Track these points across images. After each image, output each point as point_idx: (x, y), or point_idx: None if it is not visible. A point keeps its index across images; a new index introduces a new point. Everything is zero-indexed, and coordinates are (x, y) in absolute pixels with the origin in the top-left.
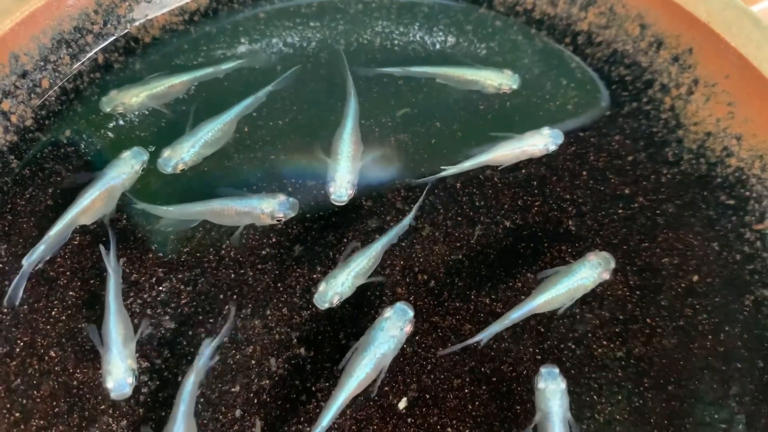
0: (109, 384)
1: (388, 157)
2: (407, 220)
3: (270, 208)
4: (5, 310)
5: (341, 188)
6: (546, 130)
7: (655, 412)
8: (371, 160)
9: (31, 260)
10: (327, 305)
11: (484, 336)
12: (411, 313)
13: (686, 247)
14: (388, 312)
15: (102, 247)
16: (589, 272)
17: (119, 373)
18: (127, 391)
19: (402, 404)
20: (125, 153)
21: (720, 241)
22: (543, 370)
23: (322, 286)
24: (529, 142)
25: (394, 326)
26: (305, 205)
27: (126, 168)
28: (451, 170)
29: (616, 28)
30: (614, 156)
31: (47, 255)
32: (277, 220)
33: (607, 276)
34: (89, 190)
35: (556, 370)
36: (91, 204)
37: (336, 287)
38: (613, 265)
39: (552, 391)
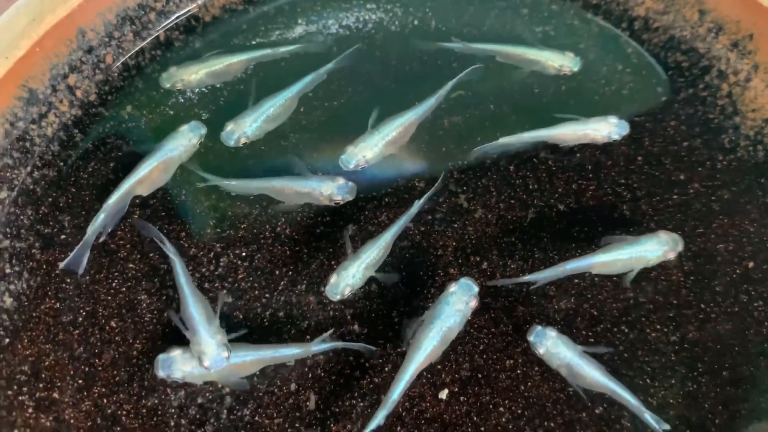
0: (206, 363)
1: (440, 139)
2: (415, 209)
3: (329, 190)
4: (68, 280)
5: (353, 156)
6: (613, 119)
7: (709, 397)
8: (401, 158)
9: (93, 228)
10: (339, 297)
11: (537, 277)
12: (476, 288)
13: (742, 234)
14: (453, 287)
15: (157, 241)
16: (655, 247)
17: (213, 351)
18: (226, 365)
19: (443, 395)
20: (183, 126)
21: None
22: (530, 338)
23: (333, 278)
24: (593, 127)
25: (459, 300)
26: (358, 185)
27: (184, 141)
28: (509, 139)
29: (674, 14)
30: (670, 142)
31: (108, 224)
32: (335, 203)
33: (672, 256)
34: (147, 161)
35: (538, 327)
36: (148, 174)
37: (347, 279)
38: (681, 247)
39: (553, 345)
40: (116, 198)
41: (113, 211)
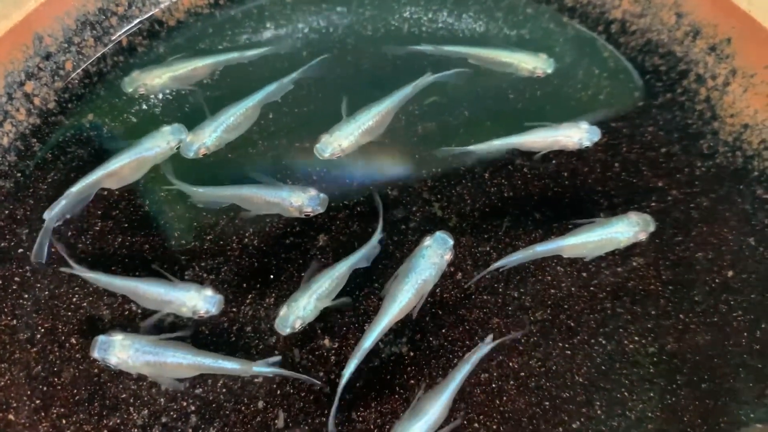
0: (203, 311)
1: (413, 146)
2: (375, 239)
3: (299, 202)
4: (26, 296)
5: (329, 144)
6: (584, 125)
7: (688, 410)
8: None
9: (51, 215)
10: (288, 330)
11: (507, 262)
12: (451, 242)
13: (721, 242)
14: (428, 240)
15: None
16: (625, 228)
17: (198, 298)
18: (220, 297)
19: None
20: (165, 127)
21: (756, 236)
22: (94, 355)
23: (283, 311)
24: (564, 133)
25: (434, 254)
26: (330, 194)
27: (162, 142)
28: (479, 146)
29: (651, 17)
30: (647, 148)
31: (68, 212)
32: (305, 215)
33: (643, 237)
34: (120, 155)
35: (100, 338)
36: (119, 169)
37: (298, 311)
38: (652, 228)
39: (121, 349)
40: (81, 187)
41: (75, 200)
